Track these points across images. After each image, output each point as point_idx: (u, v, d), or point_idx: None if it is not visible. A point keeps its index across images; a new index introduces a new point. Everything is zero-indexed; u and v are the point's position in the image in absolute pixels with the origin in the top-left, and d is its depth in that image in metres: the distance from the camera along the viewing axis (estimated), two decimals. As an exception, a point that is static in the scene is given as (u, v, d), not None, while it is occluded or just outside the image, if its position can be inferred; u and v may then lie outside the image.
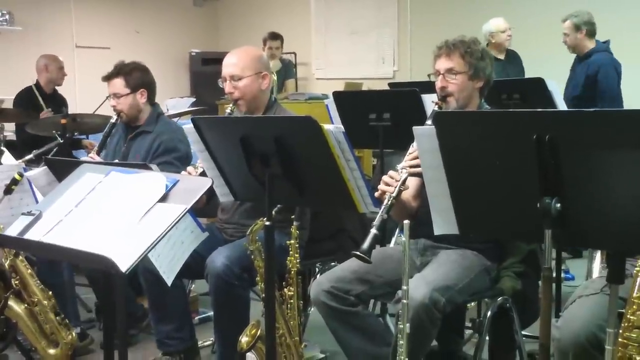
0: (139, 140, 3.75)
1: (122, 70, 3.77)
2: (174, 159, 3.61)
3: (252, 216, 3.08)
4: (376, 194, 2.52)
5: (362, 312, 2.82)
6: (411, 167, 2.60)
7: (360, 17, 9.01)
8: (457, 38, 2.90)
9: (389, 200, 2.54)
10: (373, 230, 2.46)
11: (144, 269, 3.14)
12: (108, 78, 3.79)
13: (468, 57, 2.85)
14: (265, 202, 2.43)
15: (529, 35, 6.55)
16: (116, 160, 3.59)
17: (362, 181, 2.34)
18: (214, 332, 3.23)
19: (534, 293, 2.80)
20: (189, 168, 3.05)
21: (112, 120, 3.80)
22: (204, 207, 3.26)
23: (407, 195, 2.79)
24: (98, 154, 3.66)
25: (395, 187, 2.56)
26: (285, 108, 3.48)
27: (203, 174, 2.78)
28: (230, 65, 3.27)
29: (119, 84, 3.75)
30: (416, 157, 2.56)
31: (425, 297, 2.48)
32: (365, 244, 2.44)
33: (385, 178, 2.62)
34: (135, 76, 3.77)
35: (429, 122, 2.59)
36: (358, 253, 2.43)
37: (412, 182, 2.75)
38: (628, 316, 1.93)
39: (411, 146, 2.65)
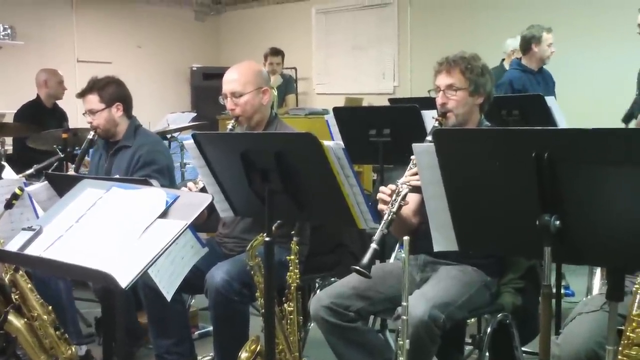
0: (119, 156, 3.74)
1: (95, 86, 3.73)
2: (154, 171, 3.58)
3: (252, 231, 3.08)
4: (379, 202, 2.53)
5: (362, 328, 2.82)
6: (411, 182, 2.60)
7: (361, 32, 9.06)
8: (457, 54, 2.91)
9: (389, 216, 2.54)
10: (373, 245, 2.46)
11: (144, 284, 3.13)
12: (82, 94, 3.76)
13: (468, 73, 2.85)
14: (265, 217, 2.44)
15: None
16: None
17: (361, 197, 2.34)
18: (214, 347, 3.22)
19: (534, 309, 2.80)
20: (189, 184, 3.05)
21: (89, 137, 3.77)
22: (205, 222, 3.26)
23: (407, 210, 2.79)
24: (76, 171, 3.64)
25: (396, 202, 2.57)
26: (287, 123, 3.48)
27: (204, 189, 2.78)
28: (231, 81, 3.26)
29: (93, 99, 3.71)
30: (417, 173, 2.57)
31: (424, 314, 2.48)
32: (365, 259, 2.44)
33: (382, 188, 2.62)
34: (110, 91, 3.73)
35: (429, 138, 2.60)
36: (358, 268, 2.43)
37: (413, 198, 2.75)
38: (628, 333, 1.93)
39: (412, 159, 2.66)
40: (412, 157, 2.57)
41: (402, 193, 2.59)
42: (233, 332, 3.05)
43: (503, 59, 6.43)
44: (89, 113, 3.74)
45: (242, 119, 3.26)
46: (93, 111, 3.72)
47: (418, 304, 2.50)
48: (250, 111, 3.25)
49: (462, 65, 2.86)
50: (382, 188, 2.63)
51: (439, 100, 2.90)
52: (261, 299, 2.80)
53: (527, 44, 5.58)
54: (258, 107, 3.27)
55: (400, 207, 2.58)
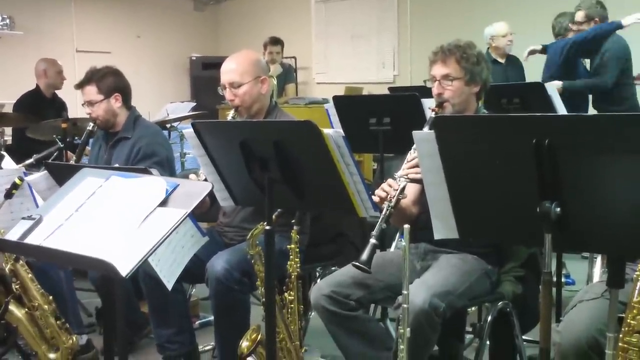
0: (119, 147, 3.74)
1: (93, 77, 3.72)
2: (154, 164, 3.54)
3: (252, 220, 3.08)
4: (374, 198, 2.53)
5: (362, 317, 2.82)
6: (409, 175, 2.60)
7: (361, 21, 9.03)
8: (452, 42, 2.88)
9: (387, 210, 2.55)
10: (372, 240, 2.47)
11: (144, 273, 3.13)
12: (80, 86, 3.75)
13: (464, 62, 2.83)
14: (265, 206, 2.43)
15: (529, 40, 6.57)
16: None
17: (361, 185, 2.34)
18: (215, 336, 3.23)
19: (534, 297, 2.80)
20: (192, 175, 3.04)
21: (89, 128, 3.76)
22: (207, 212, 3.25)
23: (407, 201, 2.78)
24: (77, 163, 3.63)
25: (394, 196, 2.57)
26: (286, 112, 3.47)
27: (206, 181, 2.77)
28: (229, 72, 3.24)
29: (91, 91, 3.70)
30: (415, 165, 2.57)
31: (425, 302, 2.48)
32: (365, 254, 2.44)
33: (383, 186, 2.62)
34: (108, 81, 3.72)
35: (426, 128, 2.59)
36: (358, 264, 2.43)
37: (412, 188, 2.75)
38: (628, 320, 1.93)
39: (410, 153, 2.66)
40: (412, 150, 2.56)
41: (401, 186, 2.59)
42: (234, 321, 3.06)
43: (488, 48, 6.38)
44: (88, 104, 3.73)
45: (242, 109, 3.25)
46: (92, 102, 3.71)
47: (418, 292, 2.50)
48: (249, 101, 3.24)
49: (458, 55, 2.84)
50: (382, 185, 2.62)
51: (435, 91, 2.89)
52: (262, 288, 2.80)
53: (564, 24, 5.60)
54: (257, 96, 3.26)
55: (398, 200, 2.58)
